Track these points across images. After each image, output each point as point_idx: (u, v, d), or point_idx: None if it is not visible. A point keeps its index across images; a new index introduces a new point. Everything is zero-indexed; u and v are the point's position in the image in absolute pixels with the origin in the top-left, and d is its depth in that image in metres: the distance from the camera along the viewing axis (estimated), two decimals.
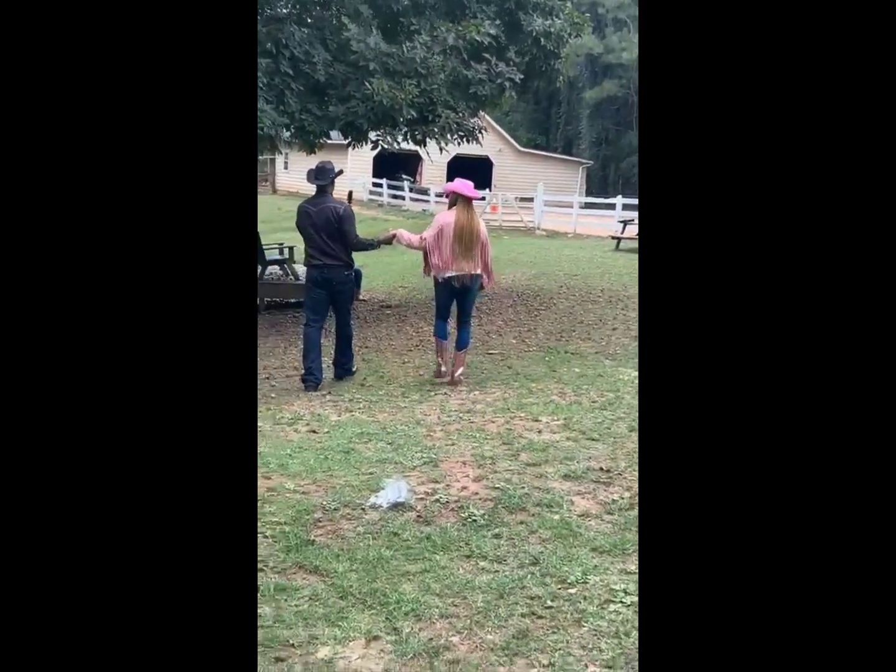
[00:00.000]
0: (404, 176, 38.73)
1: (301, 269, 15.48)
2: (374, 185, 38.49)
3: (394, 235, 8.34)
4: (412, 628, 3.33)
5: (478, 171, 36.29)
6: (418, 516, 4.47)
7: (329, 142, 13.46)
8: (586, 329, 10.84)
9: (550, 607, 3.47)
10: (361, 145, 12.81)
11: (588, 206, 30.49)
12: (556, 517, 4.40)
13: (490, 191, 34.37)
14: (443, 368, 8.27)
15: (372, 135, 12.27)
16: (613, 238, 21.89)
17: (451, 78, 11.31)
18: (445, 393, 7.67)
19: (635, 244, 21.14)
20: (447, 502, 4.64)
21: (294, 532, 4.22)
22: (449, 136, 12.13)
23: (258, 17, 9.76)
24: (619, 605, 3.47)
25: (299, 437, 6.23)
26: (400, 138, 12.47)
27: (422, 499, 4.70)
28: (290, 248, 16.30)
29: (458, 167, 31.33)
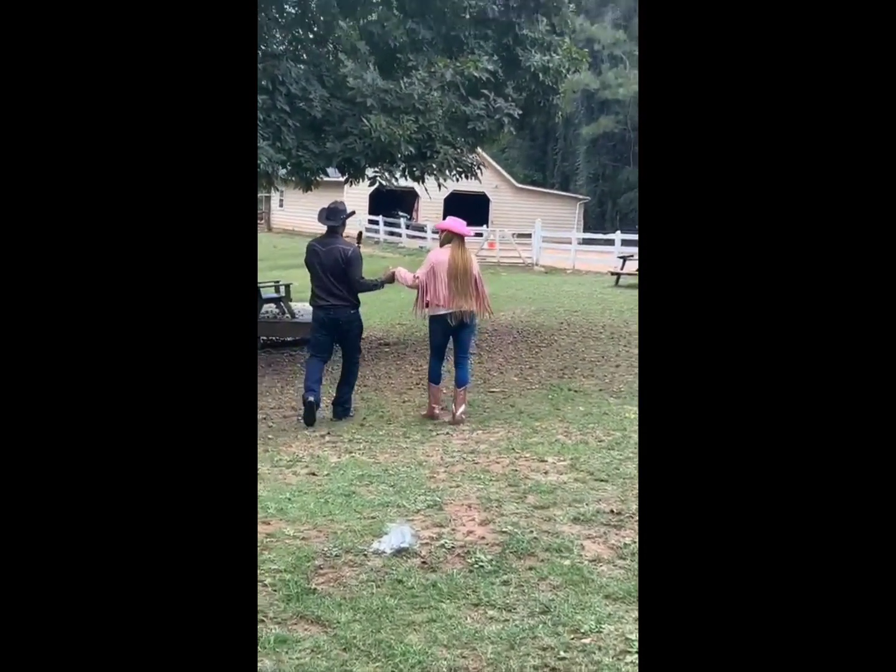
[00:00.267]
0: (401, 213, 38.85)
1: (297, 307, 15.44)
2: (371, 222, 38.51)
3: (394, 273, 8.34)
4: None
5: (475, 207, 36.43)
6: (423, 562, 4.31)
7: (325, 179, 13.43)
8: (589, 366, 10.73)
9: (564, 658, 3.32)
10: (358, 182, 12.77)
11: (586, 241, 30.56)
12: (567, 563, 4.24)
13: (487, 227, 34.46)
14: (436, 411, 8.22)
15: (369, 171, 12.24)
16: (613, 274, 21.93)
17: (449, 114, 11.29)
18: (447, 433, 7.53)
19: (635, 280, 21.15)
20: (453, 547, 4.49)
21: (294, 580, 4.06)
22: (447, 171, 12.11)
23: None
24: (637, 655, 3.30)
25: (298, 480, 6.08)
26: (398, 174, 12.42)
27: (426, 544, 4.54)
28: (287, 286, 16.22)
29: (455, 204, 31.48)
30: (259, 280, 15.05)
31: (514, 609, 3.76)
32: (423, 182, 12.74)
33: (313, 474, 6.23)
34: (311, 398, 8.12)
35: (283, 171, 11.54)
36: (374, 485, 5.78)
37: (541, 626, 3.57)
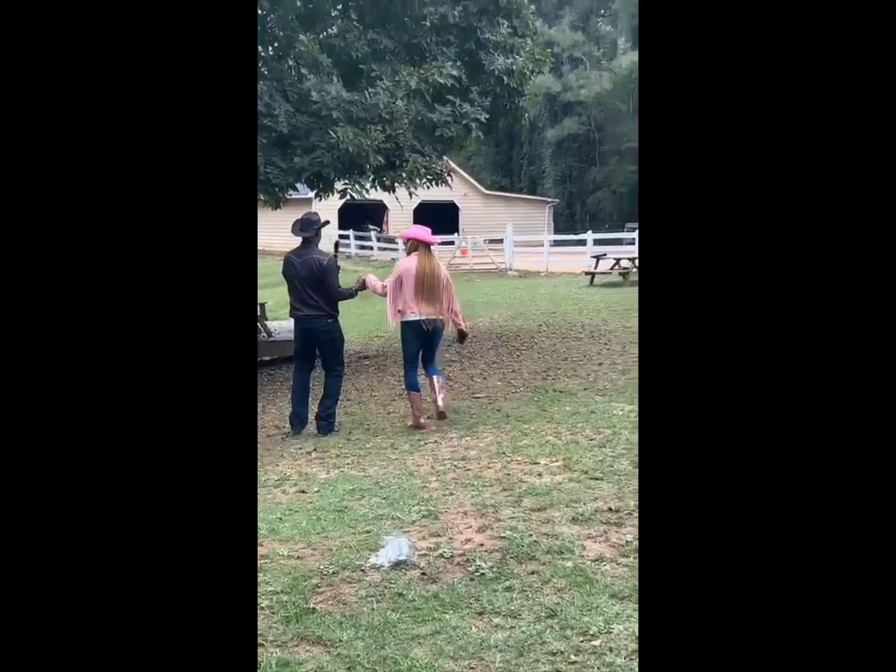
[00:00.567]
0: (370, 226, 38.74)
1: (273, 325, 15.31)
2: (341, 236, 38.28)
3: (364, 281, 8.56)
4: None
5: (444, 216, 36.45)
6: (423, 574, 4.21)
7: (294, 196, 13.36)
8: (571, 366, 10.68)
9: (575, 662, 3.23)
10: (328, 196, 12.72)
11: (558, 243, 30.62)
12: (569, 564, 4.16)
13: (458, 235, 34.43)
14: (421, 420, 8.21)
15: (339, 184, 12.20)
16: (587, 273, 22.01)
17: (416, 122, 11.27)
18: (436, 441, 7.44)
19: (610, 279, 21.22)
20: (451, 556, 4.40)
21: (292, 601, 3.95)
22: (417, 180, 12.09)
23: None
24: None
25: (288, 499, 5.96)
26: (368, 185, 12.37)
27: (424, 555, 4.45)
28: (262, 305, 16.09)
29: (425, 214, 31.44)
30: None
31: (520, 615, 3.67)
32: (393, 192, 12.70)
33: (303, 492, 6.12)
34: (297, 429, 8.48)
35: None
36: (365, 498, 5.68)
37: (548, 630, 3.49)
